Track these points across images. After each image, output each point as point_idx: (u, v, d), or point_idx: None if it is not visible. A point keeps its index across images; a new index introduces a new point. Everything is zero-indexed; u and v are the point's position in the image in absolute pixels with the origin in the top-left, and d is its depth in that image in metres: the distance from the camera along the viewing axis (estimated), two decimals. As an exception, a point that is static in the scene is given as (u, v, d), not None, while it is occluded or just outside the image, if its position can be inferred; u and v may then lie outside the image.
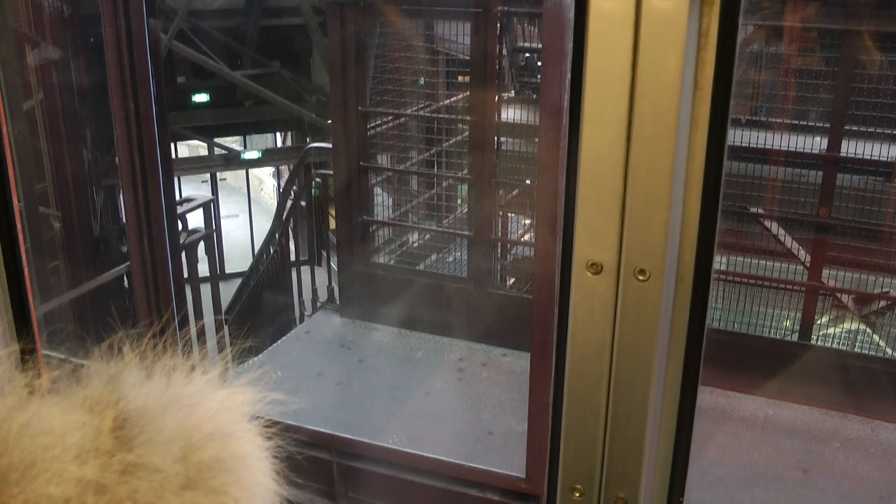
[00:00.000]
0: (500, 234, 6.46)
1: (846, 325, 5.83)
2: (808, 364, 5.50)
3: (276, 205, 7.63)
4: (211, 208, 8.18)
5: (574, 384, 1.07)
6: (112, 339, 0.77)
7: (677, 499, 1.16)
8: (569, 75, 1.01)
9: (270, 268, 7.45)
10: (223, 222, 11.22)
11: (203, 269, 9.91)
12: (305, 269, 7.96)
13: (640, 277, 1.00)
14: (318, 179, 7.32)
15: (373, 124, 6.57)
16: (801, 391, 5.46)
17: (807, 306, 5.65)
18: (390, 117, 6.71)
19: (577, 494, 1.11)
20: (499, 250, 6.51)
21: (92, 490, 0.62)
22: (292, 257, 7.92)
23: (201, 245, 8.61)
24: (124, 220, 5.01)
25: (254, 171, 13.80)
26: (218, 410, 0.72)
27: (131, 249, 4.98)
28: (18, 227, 1.42)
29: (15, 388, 0.69)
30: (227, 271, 10.72)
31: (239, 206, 13.58)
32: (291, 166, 7.43)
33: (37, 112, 5.27)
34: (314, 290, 7.54)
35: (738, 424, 5.34)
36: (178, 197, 8.07)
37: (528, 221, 6.74)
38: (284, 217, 7.38)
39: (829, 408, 5.40)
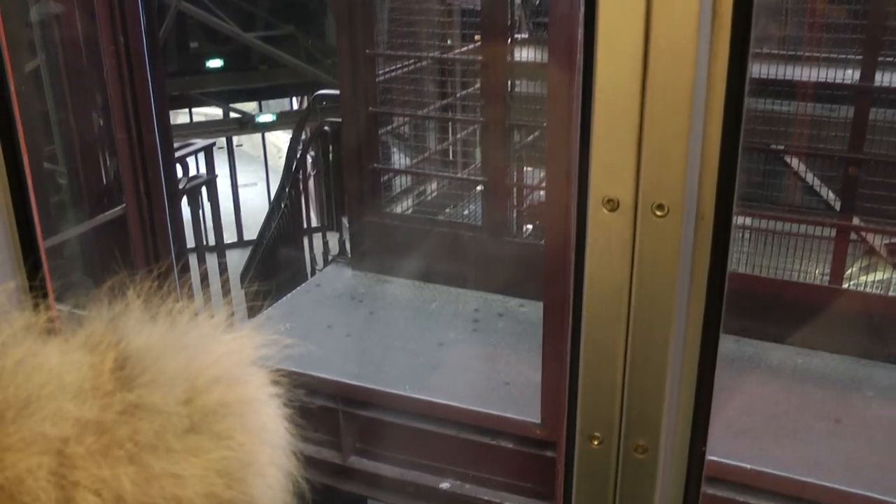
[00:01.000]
0: (515, 179, 6.44)
1: (880, 270, 5.80)
2: (839, 311, 5.48)
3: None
4: (213, 153, 8.09)
5: (591, 328, 1.07)
6: (113, 282, 0.77)
7: (699, 447, 1.17)
8: (582, 8, 0.99)
9: (281, 223, 7.45)
10: (241, 191, 11.26)
11: (226, 235, 9.99)
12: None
13: (658, 213, 0.99)
14: (326, 128, 7.28)
15: (382, 70, 6.53)
16: (832, 339, 5.46)
17: (837, 248, 5.61)
18: (400, 62, 6.66)
19: (596, 442, 1.12)
20: (514, 197, 6.49)
21: (91, 430, 0.62)
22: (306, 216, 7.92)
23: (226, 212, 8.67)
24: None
25: (271, 140, 13.76)
26: (224, 354, 0.73)
27: (126, 191, 4.99)
28: (26, 163, 1.42)
29: (12, 326, 0.68)
30: (245, 239, 10.78)
31: (257, 174, 13.57)
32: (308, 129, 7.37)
33: (42, 72, 5.26)
34: (325, 244, 7.56)
35: (766, 374, 5.34)
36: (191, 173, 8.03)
37: (544, 166, 6.71)
38: (294, 168, 7.36)
39: (861, 356, 5.39)
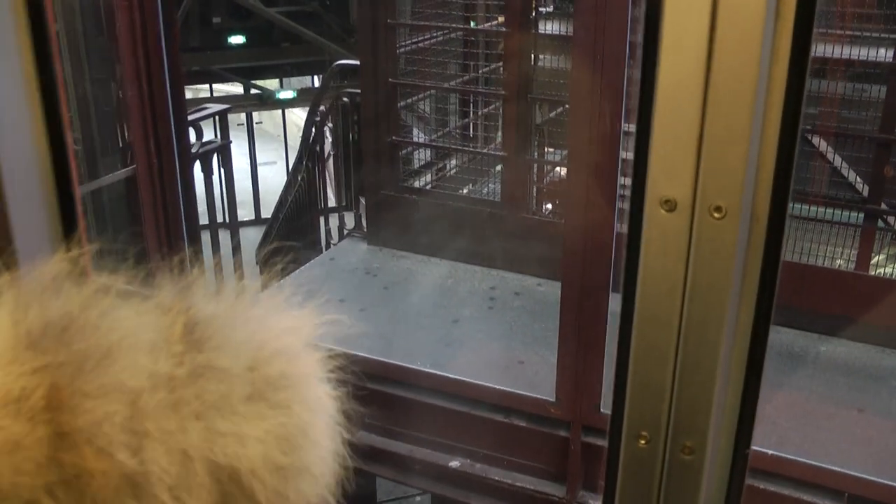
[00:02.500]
0: (536, 155, 6.43)
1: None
2: (864, 298, 5.48)
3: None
4: (227, 119, 8.04)
5: (643, 327, 1.08)
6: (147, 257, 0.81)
7: (744, 449, 1.18)
8: (644, 6, 1.00)
9: (298, 197, 7.47)
10: (260, 169, 11.31)
11: (241, 213, 10.05)
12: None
13: (716, 215, 1.00)
14: (345, 99, 7.27)
15: (404, 41, 6.51)
16: (856, 327, 5.46)
17: (864, 234, 5.59)
18: (422, 34, 6.64)
19: (643, 442, 1.13)
20: (535, 173, 6.48)
21: (162, 385, 0.66)
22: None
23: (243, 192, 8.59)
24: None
25: (292, 119, 13.81)
26: (286, 329, 0.78)
27: (136, 151, 5.01)
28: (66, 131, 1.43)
29: (92, 282, 0.73)
30: (263, 217, 10.86)
31: (277, 153, 13.60)
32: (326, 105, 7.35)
33: (59, 38, 5.25)
34: (340, 217, 7.58)
35: (789, 361, 5.35)
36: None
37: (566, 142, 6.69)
38: (311, 140, 7.37)
39: (887, 345, 5.40)
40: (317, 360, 0.80)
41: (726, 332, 1.06)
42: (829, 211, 5.73)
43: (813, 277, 5.56)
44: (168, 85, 5.01)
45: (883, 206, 5.55)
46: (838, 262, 5.79)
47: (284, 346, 0.76)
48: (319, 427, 0.78)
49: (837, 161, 5.76)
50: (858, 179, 5.69)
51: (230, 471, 0.68)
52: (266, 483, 0.70)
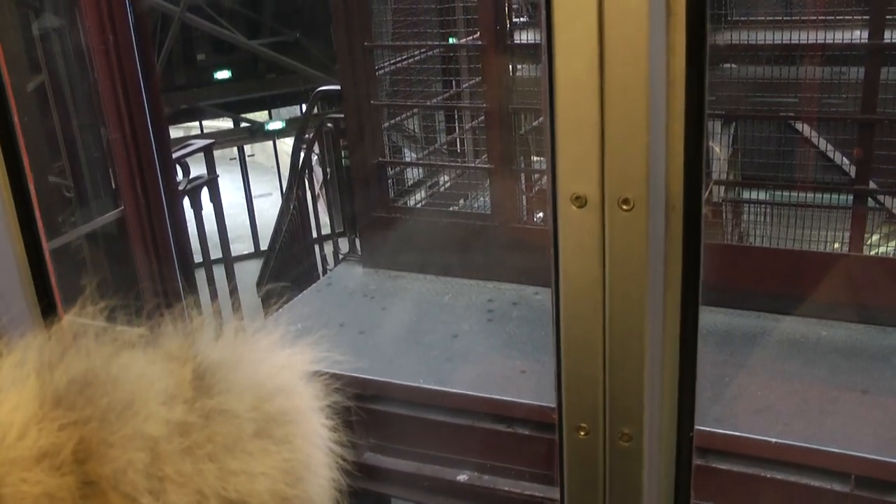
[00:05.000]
0: (522, 165, 6.47)
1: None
2: (862, 279, 5.48)
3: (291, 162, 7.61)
4: (212, 154, 8.07)
5: (569, 323, 1.12)
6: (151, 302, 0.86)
7: (687, 433, 1.21)
8: (543, 12, 1.04)
9: (292, 226, 7.51)
10: (256, 202, 11.40)
11: (240, 247, 10.05)
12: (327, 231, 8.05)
13: (625, 207, 1.03)
14: (330, 125, 7.32)
15: (382, 63, 6.58)
16: (855, 309, 5.47)
17: (855, 215, 5.61)
18: (400, 54, 6.70)
19: (583, 433, 1.17)
20: (523, 182, 6.52)
21: (178, 431, 0.72)
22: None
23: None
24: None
25: (284, 149, 13.93)
26: (283, 367, 0.84)
27: (123, 192, 5.06)
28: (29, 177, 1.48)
29: (109, 338, 0.79)
30: (261, 249, 10.92)
31: (271, 184, 13.72)
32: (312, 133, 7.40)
33: (47, 89, 5.32)
34: (335, 242, 7.61)
35: (789, 348, 5.35)
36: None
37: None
38: (300, 167, 7.41)
39: (886, 324, 5.40)
40: (313, 394, 0.85)
41: (650, 319, 1.10)
42: (820, 196, 5.76)
43: (808, 263, 5.58)
44: (150, 125, 5.08)
45: (871, 185, 5.56)
46: (835, 245, 5.81)
47: (282, 382, 0.82)
48: (319, 458, 0.84)
49: (823, 145, 5.79)
50: (845, 161, 5.72)
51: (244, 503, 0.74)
52: None
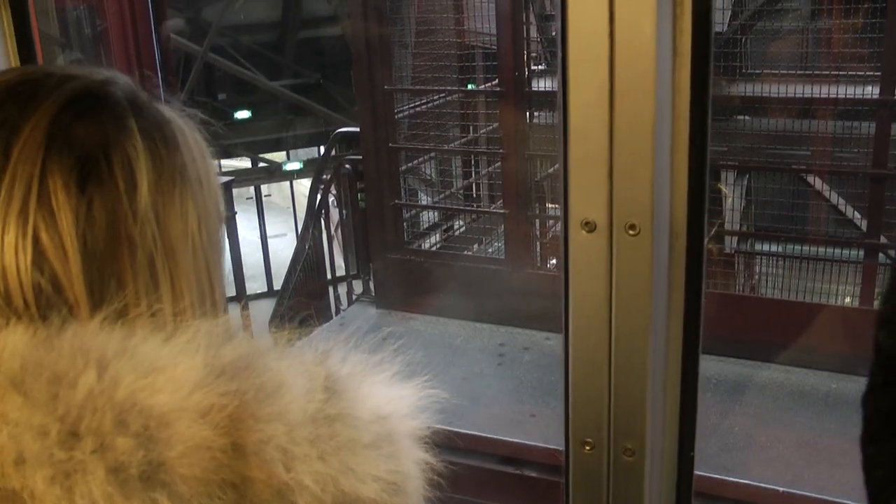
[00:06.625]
0: (537, 210, 6.57)
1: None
2: (871, 333, 5.51)
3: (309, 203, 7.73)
4: (231, 191, 8.21)
5: (578, 341, 1.20)
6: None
7: (688, 451, 1.29)
8: (559, 52, 1.14)
9: (307, 265, 7.61)
10: (271, 242, 11.55)
11: (254, 286, 10.10)
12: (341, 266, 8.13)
13: (631, 232, 1.12)
14: (347, 166, 7.45)
15: (402, 106, 6.72)
16: (866, 362, 5.48)
17: (866, 269, 5.67)
18: (419, 98, 6.85)
19: (588, 448, 1.25)
20: (537, 228, 6.62)
21: (310, 421, 0.84)
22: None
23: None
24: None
25: (300, 190, 14.11)
26: (398, 396, 0.95)
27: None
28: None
29: (264, 334, 0.94)
30: (275, 289, 11.05)
31: (287, 224, 13.84)
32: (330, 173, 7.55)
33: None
34: (349, 283, 7.70)
35: (799, 400, 5.38)
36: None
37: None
38: (317, 208, 7.53)
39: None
40: (417, 426, 0.96)
41: (653, 341, 1.18)
42: (831, 250, 5.83)
43: (818, 316, 5.63)
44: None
45: (882, 239, 5.63)
46: (846, 299, 5.86)
47: (396, 409, 0.93)
48: (416, 480, 0.94)
49: (835, 198, 5.88)
50: (856, 215, 5.80)
51: (353, 498, 0.84)
52: None
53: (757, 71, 6.20)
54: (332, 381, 0.88)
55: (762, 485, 4.41)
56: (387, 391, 0.94)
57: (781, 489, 4.36)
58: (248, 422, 0.80)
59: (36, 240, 0.86)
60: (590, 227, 1.14)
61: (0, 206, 0.86)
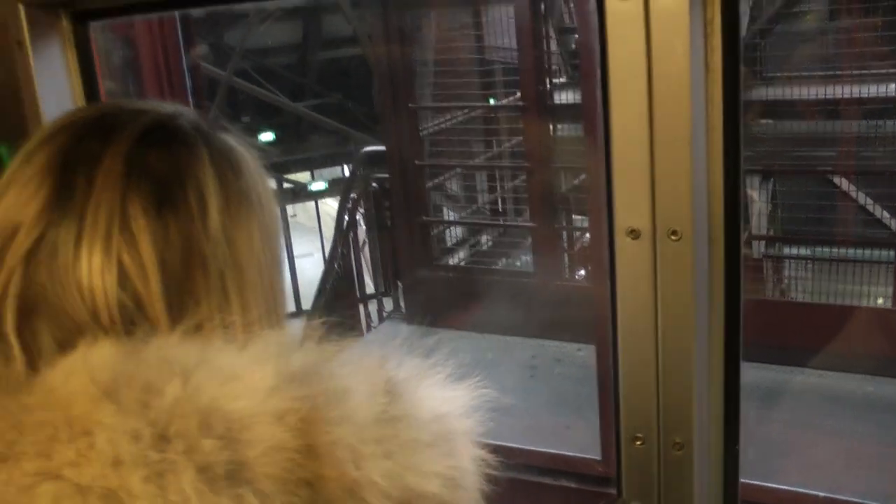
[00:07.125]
0: (564, 222, 6.65)
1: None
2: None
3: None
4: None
5: (626, 343, 1.29)
6: None
7: (733, 445, 1.37)
8: (598, 72, 1.24)
9: (336, 283, 7.71)
10: (297, 262, 11.71)
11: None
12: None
13: (674, 238, 1.21)
14: (374, 185, 7.55)
15: (426, 124, 6.82)
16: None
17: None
18: (443, 115, 6.95)
19: (639, 443, 1.33)
20: (564, 240, 6.69)
21: (374, 422, 0.89)
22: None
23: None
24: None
25: (325, 210, 14.26)
26: (454, 396, 0.99)
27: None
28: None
29: (329, 342, 0.96)
30: (303, 309, 11.19)
31: (313, 244, 14.01)
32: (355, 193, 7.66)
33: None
34: (379, 301, 7.79)
35: (836, 404, 5.39)
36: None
37: (593, 208, 6.89)
38: (345, 227, 7.63)
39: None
40: (472, 425, 1.00)
41: (697, 340, 1.26)
42: (861, 251, 5.86)
43: (851, 318, 5.65)
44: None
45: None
46: (878, 300, 5.89)
47: (452, 408, 0.97)
48: (473, 476, 0.98)
49: (862, 199, 5.91)
50: (885, 215, 5.83)
51: (418, 493, 0.89)
52: None
53: (777, 74, 6.26)
54: (391, 385, 0.93)
55: (802, 490, 4.45)
56: (442, 392, 0.98)
57: (822, 494, 4.39)
58: (319, 424, 0.86)
59: (119, 261, 0.94)
60: (634, 234, 1.23)
61: (86, 231, 0.94)
